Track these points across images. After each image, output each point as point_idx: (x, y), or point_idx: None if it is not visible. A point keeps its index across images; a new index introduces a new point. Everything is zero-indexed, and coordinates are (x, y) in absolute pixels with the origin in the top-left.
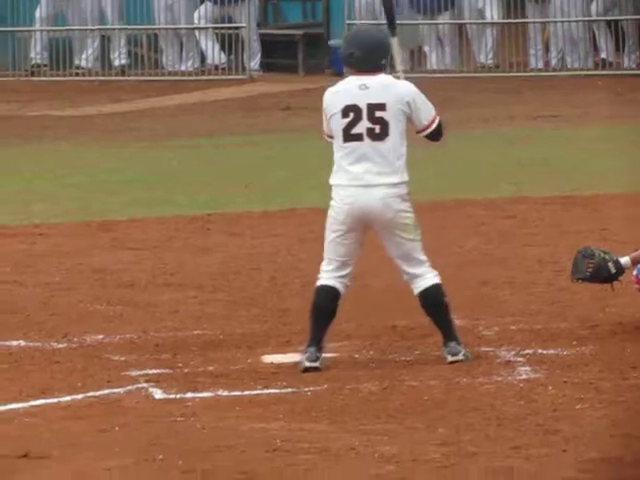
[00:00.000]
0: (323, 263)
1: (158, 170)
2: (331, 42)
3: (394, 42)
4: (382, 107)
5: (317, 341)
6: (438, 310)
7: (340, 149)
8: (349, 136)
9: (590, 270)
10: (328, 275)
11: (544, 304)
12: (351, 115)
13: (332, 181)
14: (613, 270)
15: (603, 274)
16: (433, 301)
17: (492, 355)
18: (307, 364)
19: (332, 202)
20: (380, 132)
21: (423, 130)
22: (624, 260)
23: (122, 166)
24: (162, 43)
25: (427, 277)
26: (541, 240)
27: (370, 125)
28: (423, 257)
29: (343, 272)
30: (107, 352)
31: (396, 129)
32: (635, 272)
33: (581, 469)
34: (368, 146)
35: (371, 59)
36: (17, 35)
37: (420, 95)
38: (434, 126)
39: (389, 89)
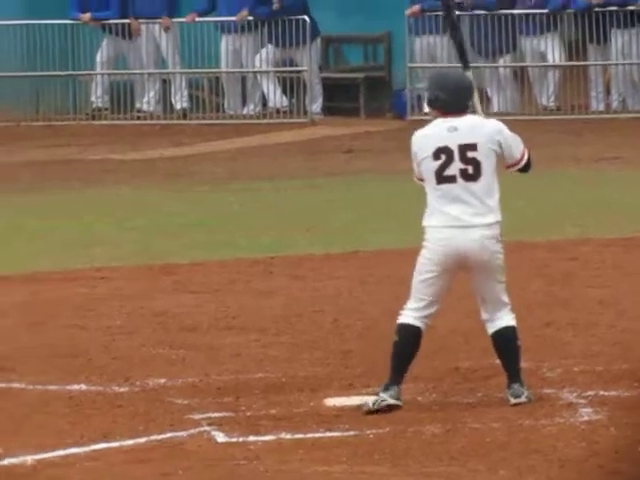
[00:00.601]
0: (409, 301)
1: (219, 213)
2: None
3: (469, 75)
4: (474, 147)
5: (399, 380)
6: (509, 351)
7: (433, 191)
8: (442, 178)
9: None
10: (412, 313)
11: (606, 345)
12: (443, 157)
13: (426, 222)
14: None
15: None
16: (506, 342)
17: (554, 397)
18: (391, 401)
19: (426, 243)
20: (473, 172)
21: (515, 164)
22: None
23: (183, 209)
24: (225, 86)
25: (505, 318)
26: (603, 282)
27: (463, 166)
28: (507, 299)
29: (429, 311)
30: (169, 395)
31: (488, 168)
32: None
33: None
34: (462, 187)
35: (457, 101)
36: (78, 79)
37: (508, 131)
38: (525, 159)
39: (478, 129)
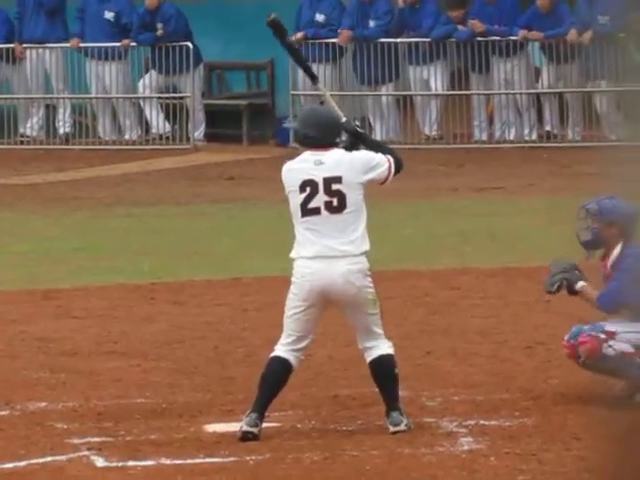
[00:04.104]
0: (282, 336)
1: (102, 239)
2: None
3: (319, 88)
4: (338, 180)
5: (260, 409)
6: (387, 380)
7: (299, 224)
8: (307, 211)
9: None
10: (284, 348)
11: (487, 375)
12: (308, 190)
13: (293, 255)
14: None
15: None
16: (383, 370)
17: (435, 426)
18: (246, 428)
19: (293, 278)
20: (338, 205)
21: (386, 181)
22: (580, 284)
23: (66, 234)
24: (99, 112)
25: (381, 347)
26: (484, 311)
27: (327, 198)
28: (380, 330)
29: (299, 345)
30: (50, 420)
31: (354, 201)
32: (566, 337)
33: None
34: (326, 219)
35: (325, 138)
36: None
37: (369, 157)
38: (393, 172)
39: (344, 162)
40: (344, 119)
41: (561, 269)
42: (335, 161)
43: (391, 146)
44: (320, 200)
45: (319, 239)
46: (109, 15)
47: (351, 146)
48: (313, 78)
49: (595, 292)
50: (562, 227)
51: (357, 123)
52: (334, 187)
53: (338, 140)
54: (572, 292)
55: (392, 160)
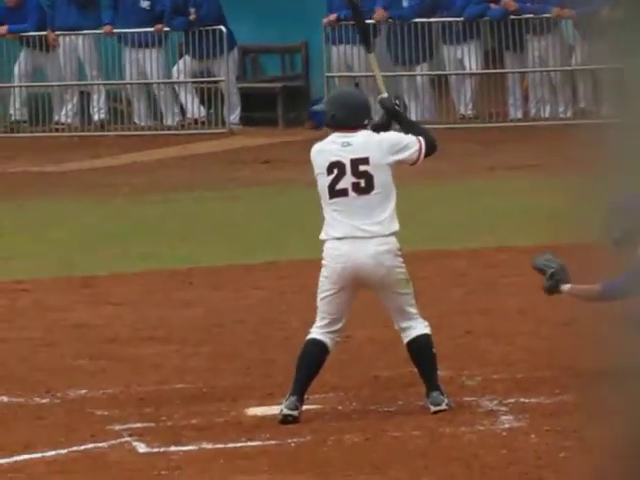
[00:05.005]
0: (316, 319)
1: (138, 225)
2: (316, 107)
3: (372, 58)
4: (365, 161)
5: (299, 392)
6: (425, 360)
7: (327, 205)
8: (334, 192)
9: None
10: (319, 330)
11: (526, 353)
12: (335, 171)
13: (322, 236)
14: (549, 278)
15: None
16: (420, 351)
17: (475, 405)
18: (286, 411)
19: (323, 261)
20: (365, 186)
21: (417, 161)
22: (566, 286)
23: (102, 221)
24: (134, 98)
25: (417, 327)
26: (522, 289)
27: (355, 180)
28: (414, 310)
29: (334, 327)
30: (90, 407)
31: (381, 181)
32: None
33: None
34: (354, 200)
35: (353, 119)
36: None
37: (398, 138)
38: (424, 152)
39: (371, 143)
40: (385, 94)
41: (555, 265)
42: (363, 142)
43: (426, 126)
44: (348, 181)
45: (347, 220)
46: (145, 4)
47: (382, 126)
48: (368, 46)
49: (586, 286)
50: (597, 204)
51: (397, 102)
52: (361, 168)
53: (366, 122)
54: (554, 290)
55: (423, 141)
